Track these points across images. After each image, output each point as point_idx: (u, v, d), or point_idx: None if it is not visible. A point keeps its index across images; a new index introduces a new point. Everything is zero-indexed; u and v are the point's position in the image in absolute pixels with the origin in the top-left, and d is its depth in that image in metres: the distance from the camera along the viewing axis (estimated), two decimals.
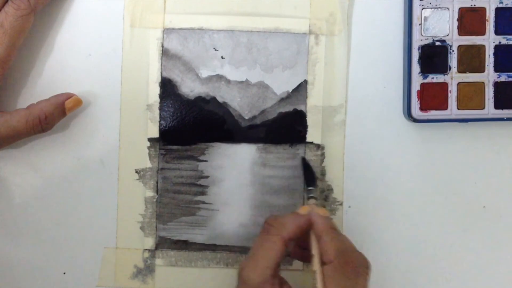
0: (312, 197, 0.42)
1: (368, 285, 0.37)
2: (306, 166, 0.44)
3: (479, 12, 0.44)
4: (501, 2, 0.44)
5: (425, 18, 0.44)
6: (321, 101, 0.45)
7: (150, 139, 0.45)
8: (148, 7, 0.45)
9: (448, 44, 0.44)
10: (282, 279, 0.38)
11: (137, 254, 0.45)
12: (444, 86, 0.44)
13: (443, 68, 0.44)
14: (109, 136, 0.45)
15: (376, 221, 0.46)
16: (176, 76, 0.45)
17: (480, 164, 0.46)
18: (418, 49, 0.44)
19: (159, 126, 0.45)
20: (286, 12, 0.45)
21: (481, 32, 0.44)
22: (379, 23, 0.45)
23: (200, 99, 0.45)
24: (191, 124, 0.45)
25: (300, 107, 0.45)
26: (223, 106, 0.45)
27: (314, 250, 0.38)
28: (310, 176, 0.44)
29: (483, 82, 0.44)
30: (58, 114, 0.43)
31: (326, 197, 0.45)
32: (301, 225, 0.39)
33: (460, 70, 0.44)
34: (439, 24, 0.44)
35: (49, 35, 0.45)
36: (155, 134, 0.45)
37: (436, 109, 0.44)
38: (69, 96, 0.43)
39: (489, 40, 0.44)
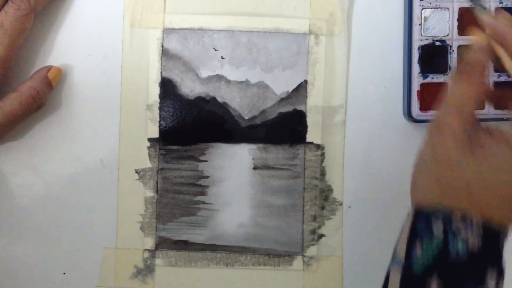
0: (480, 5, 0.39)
1: None
2: None
3: None
4: (501, 2, 0.44)
5: (425, 18, 0.44)
6: (321, 101, 0.45)
7: (150, 139, 0.45)
8: (148, 7, 0.45)
9: (448, 44, 0.44)
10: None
11: (137, 254, 0.45)
12: (444, 86, 0.44)
13: (443, 68, 0.44)
14: (109, 136, 0.45)
15: (376, 221, 0.46)
16: (176, 76, 0.45)
17: None
18: (418, 49, 0.44)
19: (159, 126, 0.45)
20: (286, 12, 0.45)
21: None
22: (379, 23, 0.45)
23: (200, 99, 0.45)
24: (191, 124, 0.45)
25: (300, 107, 0.45)
26: (223, 106, 0.45)
27: (507, 62, 0.36)
28: None
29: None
30: (46, 87, 0.43)
31: (326, 197, 0.45)
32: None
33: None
34: (439, 24, 0.44)
35: (49, 35, 0.45)
36: (155, 134, 0.45)
37: (436, 109, 0.44)
38: (48, 68, 0.43)
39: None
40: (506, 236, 0.34)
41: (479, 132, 0.35)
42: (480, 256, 0.33)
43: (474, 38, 0.37)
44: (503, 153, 0.34)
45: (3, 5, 0.41)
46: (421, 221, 0.34)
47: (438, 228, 0.33)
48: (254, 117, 0.45)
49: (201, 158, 0.45)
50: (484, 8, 0.38)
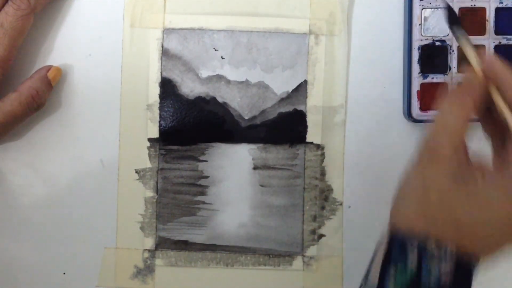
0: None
1: None
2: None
3: (479, 12, 0.44)
4: (501, 2, 0.44)
5: (425, 18, 0.44)
6: (321, 101, 0.45)
7: (150, 139, 0.45)
8: (148, 7, 0.45)
9: (448, 44, 0.44)
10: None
11: (137, 254, 0.45)
12: (444, 86, 0.44)
13: (443, 68, 0.44)
14: (109, 136, 0.45)
15: (376, 221, 0.46)
16: (176, 76, 0.45)
17: None
18: (418, 49, 0.44)
19: (159, 126, 0.45)
20: (286, 12, 0.45)
21: (481, 32, 0.44)
22: (379, 23, 0.45)
23: (200, 99, 0.45)
24: (191, 124, 0.45)
25: (300, 107, 0.45)
26: (223, 106, 0.45)
27: (502, 105, 0.34)
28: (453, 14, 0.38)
29: None
30: (46, 87, 0.43)
31: (326, 197, 0.45)
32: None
33: (460, 70, 0.44)
34: (439, 24, 0.44)
35: (49, 35, 0.45)
36: (155, 134, 0.45)
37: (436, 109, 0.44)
38: (48, 68, 0.43)
39: (489, 40, 0.44)
40: (476, 268, 0.33)
41: (470, 165, 0.34)
42: None
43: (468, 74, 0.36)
44: (497, 195, 0.32)
45: (3, 5, 0.41)
46: (396, 247, 0.34)
47: (413, 257, 0.33)
48: (254, 117, 0.45)
49: (201, 158, 0.45)
50: (467, 39, 0.36)
